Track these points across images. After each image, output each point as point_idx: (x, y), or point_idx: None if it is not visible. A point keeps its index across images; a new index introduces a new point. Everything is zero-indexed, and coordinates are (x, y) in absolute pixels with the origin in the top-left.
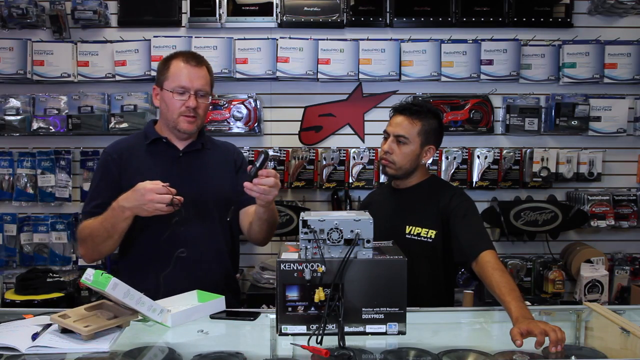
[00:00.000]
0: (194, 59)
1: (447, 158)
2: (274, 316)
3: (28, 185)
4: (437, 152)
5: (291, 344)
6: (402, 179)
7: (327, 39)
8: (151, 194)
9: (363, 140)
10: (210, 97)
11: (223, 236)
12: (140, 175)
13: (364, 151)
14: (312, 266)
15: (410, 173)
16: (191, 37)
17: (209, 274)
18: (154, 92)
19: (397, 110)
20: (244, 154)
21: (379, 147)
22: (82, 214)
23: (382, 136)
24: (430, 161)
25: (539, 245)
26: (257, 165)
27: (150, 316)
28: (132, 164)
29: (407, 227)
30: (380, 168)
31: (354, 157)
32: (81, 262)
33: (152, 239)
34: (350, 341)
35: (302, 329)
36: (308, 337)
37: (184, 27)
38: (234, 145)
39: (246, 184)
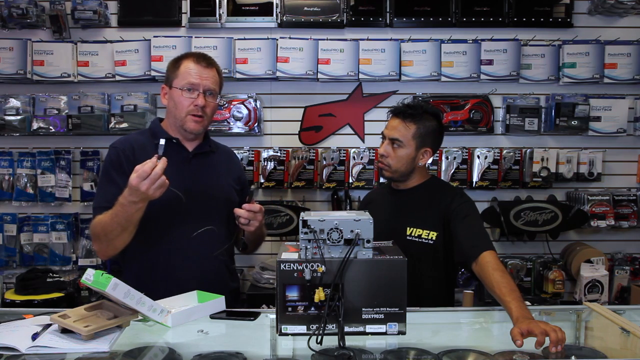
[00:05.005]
0: (205, 59)
1: (447, 158)
2: (274, 316)
3: (28, 185)
4: (437, 153)
5: None
6: (400, 181)
7: (327, 39)
8: (144, 185)
9: (363, 140)
10: (218, 99)
11: (225, 233)
12: None
13: (364, 151)
14: (312, 266)
15: (407, 175)
16: (191, 37)
17: (215, 266)
18: (162, 91)
19: (393, 112)
20: (244, 153)
21: (378, 147)
22: (94, 209)
23: (381, 137)
24: (430, 161)
25: (539, 245)
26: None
27: (151, 316)
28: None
29: (408, 228)
30: (378, 170)
31: (354, 157)
32: (81, 262)
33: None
34: (350, 341)
35: (302, 329)
36: (308, 337)
37: (184, 27)
38: (235, 155)
39: (236, 210)
